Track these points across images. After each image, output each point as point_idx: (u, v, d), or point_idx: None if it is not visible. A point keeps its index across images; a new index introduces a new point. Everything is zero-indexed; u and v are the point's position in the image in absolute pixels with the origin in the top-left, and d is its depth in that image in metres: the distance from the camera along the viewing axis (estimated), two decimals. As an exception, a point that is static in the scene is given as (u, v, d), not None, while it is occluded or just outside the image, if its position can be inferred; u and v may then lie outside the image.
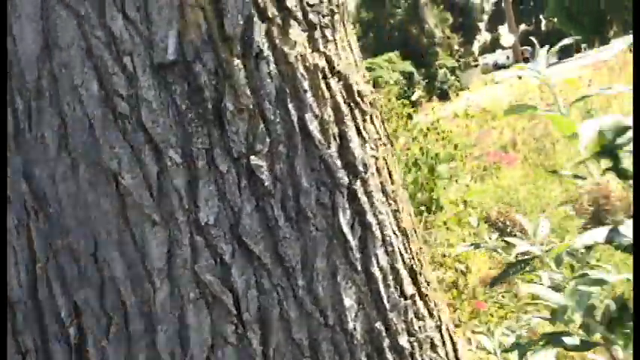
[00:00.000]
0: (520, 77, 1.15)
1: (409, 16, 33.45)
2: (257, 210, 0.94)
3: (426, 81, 29.21)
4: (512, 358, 1.45)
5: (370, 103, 1.19)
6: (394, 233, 1.08)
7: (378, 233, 1.04)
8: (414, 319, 1.06)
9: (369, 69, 26.64)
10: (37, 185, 0.93)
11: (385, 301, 1.01)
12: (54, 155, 0.91)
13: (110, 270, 0.91)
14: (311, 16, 1.06)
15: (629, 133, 0.94)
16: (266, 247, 0.94)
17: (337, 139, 1.04)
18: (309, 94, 1.00)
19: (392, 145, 1.28)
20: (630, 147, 0.93)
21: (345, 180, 1.01)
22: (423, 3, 33.45)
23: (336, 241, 0.98)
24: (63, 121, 0.91)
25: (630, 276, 0.96)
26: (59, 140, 0.91)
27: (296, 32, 1.02)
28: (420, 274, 1.12)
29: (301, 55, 1.01)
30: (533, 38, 1.51)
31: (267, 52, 0.96)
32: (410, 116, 5.92)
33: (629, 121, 0.96)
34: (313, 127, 0.99)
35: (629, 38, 1.07)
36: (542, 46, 1.14)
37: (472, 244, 1.32)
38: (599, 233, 0.94)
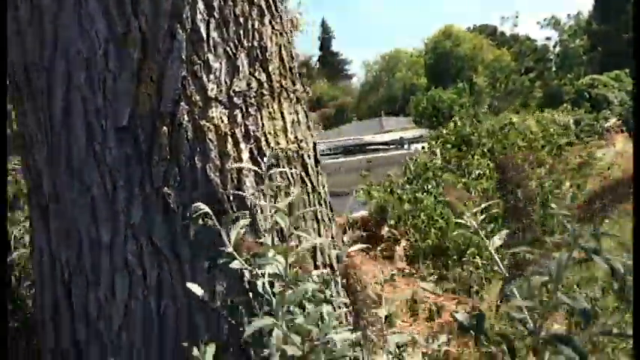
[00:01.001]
0: None
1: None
2: (165, 221, 1.49)
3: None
4: None
5: (289, 157, 1.67)
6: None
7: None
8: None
9: (592, 86, 24.68)
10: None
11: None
12: (63, 170, 1.56)
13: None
14: (235, 99, 1.58)
15: None
16: (167, 244, 1.49)
17: (235, 182, 1.54)
18: (213, 153, 1.52)
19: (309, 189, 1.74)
20: None
21: (228, 207, 1.51)
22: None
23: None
24: (70, 151, 1.54)
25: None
26: (67, 161, 1.55)
27: (216, 110, 1.54)
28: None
29: (214, 125, 1.53)
30: None
31: (186, 124, 1.50)
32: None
33: None
34: (212, 174, 1.51)
35: None
36: None
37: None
38: None
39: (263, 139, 1.62)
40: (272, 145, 1.65)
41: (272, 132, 1.66)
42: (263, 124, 1.64)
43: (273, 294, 1.25)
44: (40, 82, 1.57)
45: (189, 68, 1.51)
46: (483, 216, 1.34)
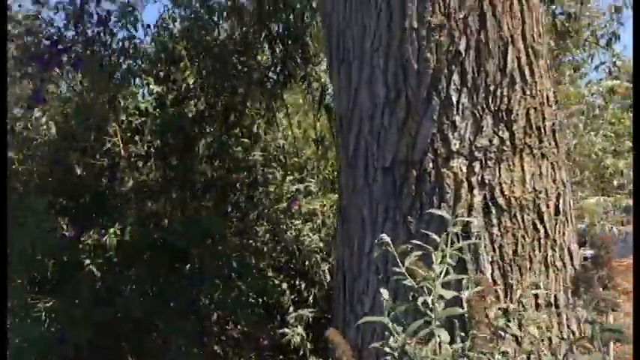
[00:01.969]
0: None
1: None
2: (404, 243, 1.93)
3: None
4: None
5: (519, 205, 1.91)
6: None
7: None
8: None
9: None
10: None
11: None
12: (350, 192, 2.14)
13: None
14: (475, 153, 1.90)
15: None
16: (405, 260, 1.93)
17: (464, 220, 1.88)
18: (449, 195, 1.88)
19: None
20: None
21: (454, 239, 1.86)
22: None
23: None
24: (355, 179, 2.11)
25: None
26: (352, 186, 2.12)
27: (457, 161, 1.89)
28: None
29: (453, 173, 1.89)
30: None
31: (430, 170, 1.90)
32: None
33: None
34: (445, 211, 1.87)
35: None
36: None
37: None
38: None
39: (497, 188, 1.90)
40: (506, 193, 1.91)
41: (508, 182, 1.91)
42: (500, 175, 1.91)
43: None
44: (345, 126, 2.17)
45: (439, 127, 1.90)
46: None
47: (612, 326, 1.32)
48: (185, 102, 3.79)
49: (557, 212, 2.00)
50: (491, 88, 1.91)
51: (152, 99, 3.41)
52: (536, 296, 1.91)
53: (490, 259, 1.87)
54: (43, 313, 2.83)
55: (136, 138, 3.36)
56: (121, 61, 3.35)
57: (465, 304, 1.47)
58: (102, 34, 3.34)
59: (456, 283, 1.58)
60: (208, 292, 3.13)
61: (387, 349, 1.40)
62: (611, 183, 4.11)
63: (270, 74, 3.83)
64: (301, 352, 3.10)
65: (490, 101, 1.91)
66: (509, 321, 1.71)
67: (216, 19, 4.05)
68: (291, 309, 3.23)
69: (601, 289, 1.33)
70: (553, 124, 2.04)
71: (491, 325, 1.49)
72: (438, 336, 1.29)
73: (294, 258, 3.35)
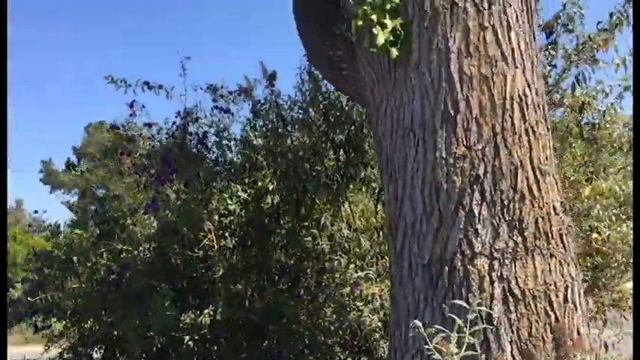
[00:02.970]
0: None
1: None
2: (441, 324, 2.40)
3: None
4: None
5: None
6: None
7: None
8: None
9: None
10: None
11: None
12: (398, 282, 2.64)
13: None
14: (494, 254, 2.38)
15: None
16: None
17: (487, 305, 2.33)
18: (474, 287, 2.36)
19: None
20: None
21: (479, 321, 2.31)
22: None
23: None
24: (402, 271, 2.61)
25: None
26: (399, 279, 2.62)
27: (480, 260, 2.38)
28: None
29: (477, 270, 2.37)
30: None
31: (459, 267, 2.39)
32: None
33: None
34: (472, 300, 2.34)
35: None
36: None
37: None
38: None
39: (514, 281, 2.36)
40: (521, 286, 2.36)
41: (522, 277, 2.37)
42: (515, 271, 2.37)
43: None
44: (393, 229, 2.70)
45: (465, 234, 2.40)
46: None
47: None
48: (263, 199, 4.45)
49: (565, 301, 2.42)
50: (505, 202, 2.41)
51: (238, 201, 4.07)
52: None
53: (509, 339, 2.31)
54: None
55: (226, 234, 4.00)
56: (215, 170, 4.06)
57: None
58: (200, 151, 4.09)
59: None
60: (286, 363, 3.63)
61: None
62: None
63: (335, 176, 4.45)
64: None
65: (505, 213, 2.41)
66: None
67: (289, 129, 4.77)
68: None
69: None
70: (560, 229, 2.50)
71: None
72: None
73: (357, 336, 3.82)
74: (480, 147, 2.46)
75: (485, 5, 2.58)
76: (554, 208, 2.51)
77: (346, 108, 4.51)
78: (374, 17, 2.59)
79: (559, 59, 4.03)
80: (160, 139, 4.30)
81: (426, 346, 1.94)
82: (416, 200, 2.55)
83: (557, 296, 2.41)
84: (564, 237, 2.51)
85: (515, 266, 2.38)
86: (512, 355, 2.29)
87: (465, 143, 2.48)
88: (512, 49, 2.58)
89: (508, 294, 2.35)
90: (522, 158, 2.48)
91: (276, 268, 4.34)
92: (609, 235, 4.10)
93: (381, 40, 2.57)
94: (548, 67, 4.04)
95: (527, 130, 2.52)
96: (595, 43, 3.75)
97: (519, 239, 2.40)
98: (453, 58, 2.53)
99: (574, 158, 4.75)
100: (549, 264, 2.43)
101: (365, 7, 2.57)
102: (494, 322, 2.32)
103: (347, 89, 3.89)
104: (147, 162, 3.99)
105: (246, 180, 4.19)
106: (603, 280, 4.71)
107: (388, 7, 2.62)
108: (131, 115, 4.16)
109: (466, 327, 2.05)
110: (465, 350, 1.98)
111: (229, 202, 3.92)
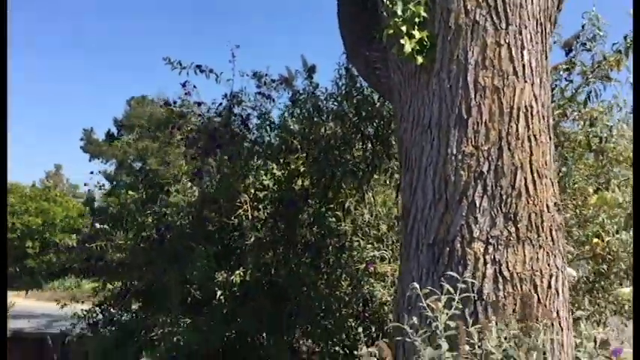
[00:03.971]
0: None
1: None
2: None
3: None
4: None
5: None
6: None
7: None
8: None
9: None
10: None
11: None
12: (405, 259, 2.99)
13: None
14: (490, 240, 2.72)
15: None
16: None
17: (479, 284, 2.68)
18: (470, 267, 2.70)
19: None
20: None
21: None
22: None
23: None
24: (410, 247, 2.97)
25: None
26: (407, 254, 2.98)
27: (477, 244, 2.72)
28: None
29: (474, 252, 2.71)
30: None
31: (458, 248, 2.73)
32: None
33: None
34: (468, 277, 2.69)
35: None
36: None
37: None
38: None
39: (504, 264, 2.69)
40: (510, 269, 2.69)
41: (512, 261, 2.70)
42: (507, 256, 2.70)
43: None
44: (405, 213, 3.06)
45: (466, 220, 2.74)
46: None
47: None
48: (295, 180, 4.84)
49: (549, 287, 2.75)
50: (504, 197, 2.74)
51: (272, 177, 4.47)
52: None
53: (493, 311, 2.65)
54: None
55: (260, 206, 4.41)
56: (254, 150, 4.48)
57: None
58: (242, 131, 4.50)
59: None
60: (302, 326, 4.03)
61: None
62: (643, 275, 4.62)
63: (362, 165, 4.81)
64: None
65: (502, 206, 2.73)
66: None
67: (324, 118, 5.15)
68: (364, 348, 4.03)
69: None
70: (551, 224, 2.82)
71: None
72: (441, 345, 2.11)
73: (368, 307, 4.19)
74: (486, 148, 2.79)
75: (503, 25, 2.90)
76: (547, 207, 2.82)
77: (377, 104, 4.85)
78: (403, 28, 2.94)
79: (576, 75, 4.29)
80: (208, 117, 4.71)
81: (421, 304, 2.30)
82: (427, 188, 2.89)
83: (541, 282, 2.73)
84: (554, 232, 2.82)
85: (507, 252, 2.71)
86: (495, 323, 2.63)
87: (473, 143, 2.80)
88: (524, 66, 2.89)
89: (498, 275, 2.68)
90: (523, 161, 2.80)
91: (300, 242, 4.74)
92: (609, 241, 4.37)
93: (408, 48, 2.90)
94: (566, 82, 4.31)
95: (529, 137, 2.83)
96: (609, 62, 4.02)
97: (513, 229, 2.73)
98: (470, 70, 2.86)
99: (585, 169, 5.01)
100: (537, 253, 2.75)
101: (396, 19, 2.91)
102: (484, 298, 2.66)
103: (378, 87, 4.24)
104: (195, 136, 4.40)
105: (281, 161, 4.57)
106: (603, 283, 5.00)
107: (417, 20, 2.96)
108: (186, 94, 4.58)
109: (453, 297, 2.41)
110: (454, 317, 2.34)
111: (265, 177, 4.31)
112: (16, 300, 13.57)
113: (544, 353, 2.04)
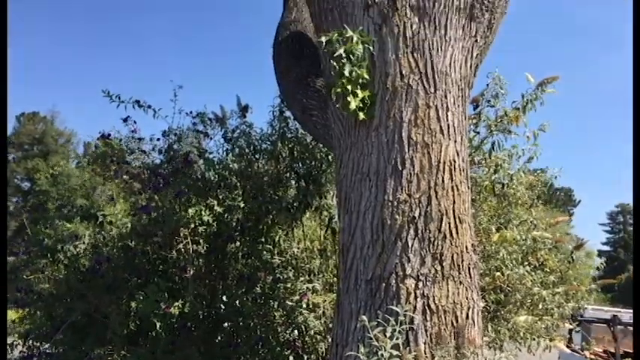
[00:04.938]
0: None
1: None
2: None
3: None
4: None
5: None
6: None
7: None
8: None
9: None
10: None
11: None
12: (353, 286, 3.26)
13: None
14: (420, 277, 3.05)
15: None
16: (374, 337, 3.03)
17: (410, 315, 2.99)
18: (403, 299, 3.01)
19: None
20: None
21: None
22: None
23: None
24: (356, 274, 3.24)
25: None
26: (355, 279, 3.25)
27: (408, 281, 3.04)
28: None
29: (406, 287, 3.02)
30: None
31: (393, 284, 3.04)
32: None
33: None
34: (395, 308, 2.99)
35: None
36: None
37: None
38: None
39: (431, 298, 3.02)
40: (436, 302, 3.03)
41: (438, 296, 3.03)
42: (434, 291, 3.04)
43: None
44: (344, 252, 3.33)
45: (400, 260, 3.06)
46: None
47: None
48: (232, 214, 5.00)
49: (467, 318, 3.11)
50: (432, 239, 3.09)
51: (212, 214, 4.61)
52: None
53: (424, 340, 2.96)
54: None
55: (200, 240, 4.53)
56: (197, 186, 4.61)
57: None
58: (183, 167, 4.62)
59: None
60: (240, 355, 4.16)
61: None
62: (537, 306, 5.19)
63: (294, 203, 5.06)
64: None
65: (430, 247, 3.08)
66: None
67: (258, 157, 5.37)
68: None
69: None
70: (469, 264, 3.20)
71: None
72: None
73: (301, 337, 4.39)
74: (417, 196, 3.14)
75: (432, 90, 3.30)
76: (467, 248, 3.21)
77: (310, 146, 5.15)
78: (349, 87, 3.26)
79: (482, 127, 4.84)
80: (148, 153, 4.79)
81: (367, 335, 2.56)
82: (366, 230, 3.19)
83: (461, 313, 3.08)
84: (471, 270, 3.21)
85: (434, 287, 3.05)
86: (425, 351, 2.95)
87: (407, 191, 3.15)
88: (449, 125, 3.30)
89: (426, 307, 3.01)
90: (447, 208, 3.18)
91: (235, 275, 4.88)
92: (508, 275, 4.89)
93: (353, 106, 3.23)
94: (473, 133, 4.84)
95: (453, 187, 3.22)
96: (509, 118, 4.59)
97: (439, 267, 3.07)
98: (405, 127, 3.22)
99: (489, 210, 5.57)
100: (458, 289, 3.11)
101: (343, 80, 3.23)
102: (415, 327, 2.97)
103: (314, 132, 4.53)
104: (137, 172, 4.47)
105: (220, 197, 4.73)
106: (502, 312, 5.53)
107: (360, 81, 3.30)
108: (133, 131, 4.65)
109: (394, 328, 2.70)
110: (392, 346, 2.63)
111: (204, 213, 4.45)
112: None
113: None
